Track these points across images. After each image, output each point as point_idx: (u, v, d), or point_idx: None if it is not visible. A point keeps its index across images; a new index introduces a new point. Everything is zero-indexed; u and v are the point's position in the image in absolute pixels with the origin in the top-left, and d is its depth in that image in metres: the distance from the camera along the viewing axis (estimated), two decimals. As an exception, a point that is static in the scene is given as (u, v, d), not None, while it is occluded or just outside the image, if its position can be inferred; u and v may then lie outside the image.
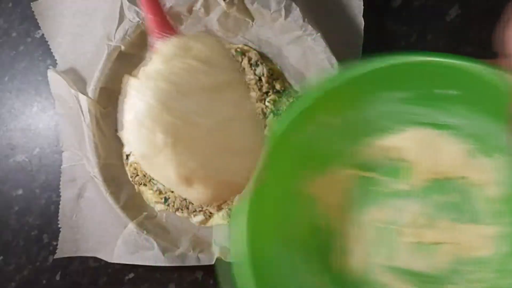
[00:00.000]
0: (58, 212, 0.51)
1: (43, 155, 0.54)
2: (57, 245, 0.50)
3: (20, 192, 0.53)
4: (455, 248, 0.37)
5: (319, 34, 0.47)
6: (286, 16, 0.47)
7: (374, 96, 0.35)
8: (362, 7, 0.48)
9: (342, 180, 0.39)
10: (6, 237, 0.53)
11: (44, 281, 0.52)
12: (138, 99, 0.24)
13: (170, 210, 0.51)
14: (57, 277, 0.52)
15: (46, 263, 0.52)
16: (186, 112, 0.24)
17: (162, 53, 0.25)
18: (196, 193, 0.25)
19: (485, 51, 0.51)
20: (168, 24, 0.28)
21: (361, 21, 0.49)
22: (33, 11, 0.52)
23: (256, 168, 0.28)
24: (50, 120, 0.54)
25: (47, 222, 0.53)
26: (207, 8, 0.49)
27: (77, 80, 0.50)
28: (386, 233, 0.38)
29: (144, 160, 0.25)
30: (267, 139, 0.33)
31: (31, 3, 0.52)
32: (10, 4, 0.55)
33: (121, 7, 0.49)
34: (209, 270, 0.51)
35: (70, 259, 0.52)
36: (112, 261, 0.49)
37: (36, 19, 0.52)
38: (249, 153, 0.28)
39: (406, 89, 0.34)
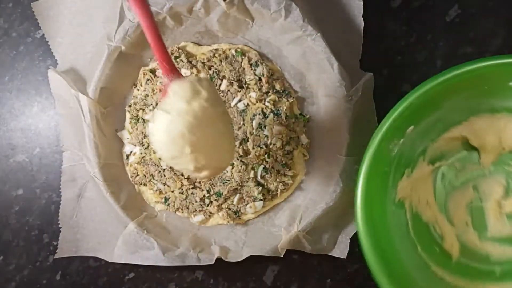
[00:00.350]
0: (58, 212, 0.51)
1: (43, 155, 0.54)
2: (57, 245, 0.50)
3: (20, 192, 0.53)
4: None
5: (319, 34, 0.48)
6: (286, 16, 0.47)
7: (445, 100, 0.42)
8: (362, 7, 0.48)
9: (421, 177, 0.46)
10: (6, 237, 0.53)
11: (45, 281, 0.52)
12: (173, 127, 0.38)
13: (170, 210, 0.51)
14: (57, 277, 0.52)
15: (46, 263, 0.53)
16: (201, 132, 0.38)
17: (181, 95, 0.38)
18: (202, 176, 0.40)
19: (485, 51, 0.52)
20: (175, 68, 0.40)
21: (360, 22, 0.49)
22: (33, 11, 0.52)
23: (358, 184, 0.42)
24: (51, 120, 0.54)
25: (47, 222, 0.53)
26: (207, 8, 0.49)
27: (78, 80, 0.50)
28: (473, 211, 0.47)
29: (172, 160, 0.39)
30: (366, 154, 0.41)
31: (31, 3, 0.52)
32: (11, 4, 0.55)
33: (121, 8, 0.49)
34: (209, 270, 0.51)
35: (70, 259, 0.52)
36: (112, 261, 0.49)
37: (37, 19, 0.52)
38: (231, 150, 0.43)
39: (468, 89, 0.41)
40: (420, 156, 0.46)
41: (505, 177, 0.47)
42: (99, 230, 0.50)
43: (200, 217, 0.51)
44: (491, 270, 0.46)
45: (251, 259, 0.48)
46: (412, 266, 0.44)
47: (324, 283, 0.51)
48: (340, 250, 0.49)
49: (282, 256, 0.48)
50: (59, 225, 0.50)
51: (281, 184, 0.50)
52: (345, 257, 0.49)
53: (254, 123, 0.49)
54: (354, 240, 0.49)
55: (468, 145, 0.47)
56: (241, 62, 0.50)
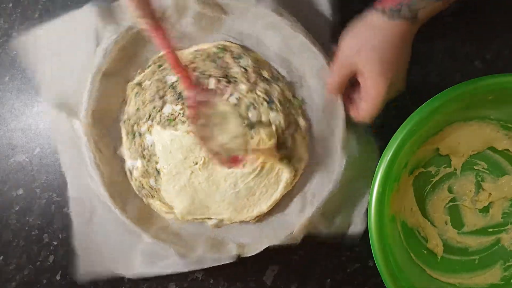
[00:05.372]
0: (58, 212, 0.51)
1: (43, 155, 0.54)
2: (57, 244, 0.50)
3: (20, 192, 0.54)
4: (503, 200, 0.52)
5: (294, 18, 0.47)
6: (257, 3, 0.47)
7: (432, 119, 0.45)
8: None
9: (405, 188, 0.51)
10: (6, 237, 0.53)
11: (45, 281, 0.52)
12: None
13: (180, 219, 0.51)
14: (57, 277, 0.52)
15: (46, 263, 0.53)
16: None
17: None
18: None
19: (484, 50, 0.52)
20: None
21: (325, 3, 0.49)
22: (33, 12, 0.52)
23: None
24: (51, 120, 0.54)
25: (47, 222, 0.53)
26: (178, 13, 0.48)
27: (68, 108, 0.50)
28: (451, 211, 0.52)
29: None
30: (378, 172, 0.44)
31: (10, 43, 0.52)
32: (11, 5, 0.55)
33: (96, 29, 0.49)
34: (209, 270, 0.51)
35: (70, 259, 0.52)
36: (134, 277, 0.49)
37: (37, 20, 0.52)
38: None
39: (452, 106, 0.44)
40: (403, 169, 0.49)
41: (475, 176, 0.53)
42: (115, 247, 0.50)
43: (214, 221, 0.51)
44: (471, 260, 0.52)
45: (251, 259, 0.48)
46: (413, 275, 0.48)
47: (324, 283, 0.51)
48: (356, 227, 0.49)
49: (299, 242, 0.48)
50: (76, 251, 0.50)
51: (289, 171, 0.50)
52: (362, 232, 0.49)
53: (250, 115, 0.49)
54: (355, 240, 0.49)
55: (441, 150, 0.51)
56: (223, 57, 0.49)
